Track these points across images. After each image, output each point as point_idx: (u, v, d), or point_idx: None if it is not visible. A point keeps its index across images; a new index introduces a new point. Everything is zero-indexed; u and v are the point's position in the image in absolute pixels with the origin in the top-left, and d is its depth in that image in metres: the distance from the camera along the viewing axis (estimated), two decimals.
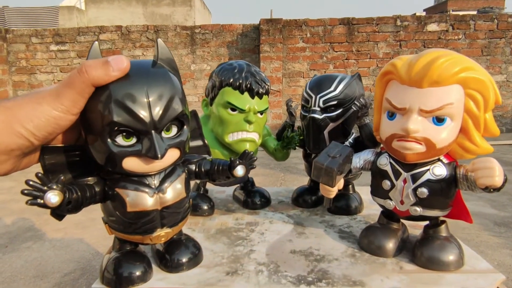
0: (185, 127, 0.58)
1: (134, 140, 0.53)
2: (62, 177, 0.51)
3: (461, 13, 5.40)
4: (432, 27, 5.10)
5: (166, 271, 0.64)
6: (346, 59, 5.22)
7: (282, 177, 3.44)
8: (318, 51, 5.24)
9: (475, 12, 6.05)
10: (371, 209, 0.92)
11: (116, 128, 0.51)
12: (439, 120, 0.60)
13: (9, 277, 1.85)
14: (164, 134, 0.55)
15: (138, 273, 0.60)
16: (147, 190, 0.57)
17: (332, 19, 5.15)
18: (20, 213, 2.57)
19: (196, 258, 0.66)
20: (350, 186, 0.94)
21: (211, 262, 0.67)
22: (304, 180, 1.02)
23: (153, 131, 0.52)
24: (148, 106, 0.51)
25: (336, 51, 5.23)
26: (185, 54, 5.42)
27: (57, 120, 0.46)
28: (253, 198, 0.94)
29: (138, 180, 0.57)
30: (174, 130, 0.57)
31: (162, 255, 0.66)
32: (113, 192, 0.57)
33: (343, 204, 0.90)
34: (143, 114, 0.51)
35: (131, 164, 0.54)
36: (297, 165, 3.70)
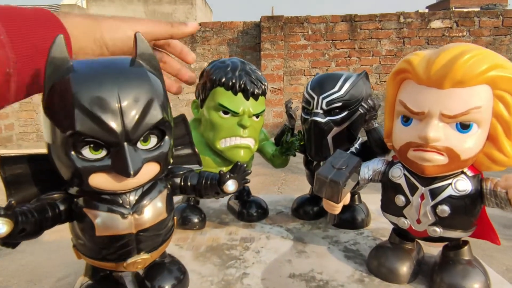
0: (166, 137, 0.49)
1: (103, 153, 0.44)
2: (12, 201, 0.42)
3: (464, 10, 5.30)
4: (436, 24, 4.99)
5: None
6: (349, 57, 5.13)
7: (283, 177, 3.36)
8: (320, 49, 5.16)
9: (478, 9, 5.94)
10: (379, 222, 0.83)
11: (80, 139, 0.43)
12: (464, 127, 0.51)
13: (2, 281, 1.79)
14: (140, 146, 0.46)
15: None
16: (120, 210, 0.48)
17: (334, 16, 5.06)
18: None
19: (180, 284, 0.58)
20: (356, 196, 0.85)
21: None
22: (306, 182, 0.92)
23: (125, 143, 0.43)
24: (120, 112, 0.42)
25: (338, 49, 5.14)
26: None
27: (130, 40, 0.51)
28: (248, 209, 0.86)
29: (110, 198, 0.48)
30: (153, 140, 0.48)
31: (141, 282, 0.57)
32: (81, 213, 0.48)
33: (348, 217, 0.81)
34: (113, 122, 0.42)
35: (99, 181, 0.45)
36: (299, 164, 3.60)
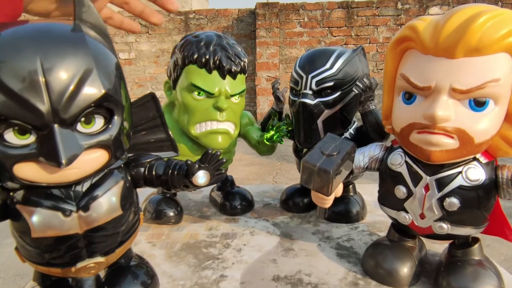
0: (115, 117, 0.40)
1: (31, 137, 0.35)
2: None
3: None
4: (434, 10, 4.89)
5: None
6: (345, 44, 5.04)
7: (279, 167, 3.29)
8: (316, 36, 5.06)
9: None
10: (376, 215, 0.75)
11: None
12: (479, 104, 0.42)
13: None
14: (81, 129, 0.37)
15: None
16: (62, 206, 0.40)
17: (330, 3, 4.96)
18: None
19: None
20: (350, 186, 0.76)
21: None
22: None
23: (55, 125, 0.35)
24: (45, 86, 0.33)
25: (335, 36, 5.05)
26: (179, 40, 5.22)
27: None
28: (232, 202, 0.77)
29: (50, 193, 0.40)
30: (98, 122, 0.39)
31: (100, 287, 0.49)
32: (15, 210, 0.40)
33: (342, 209, 0.73)
34: (35, 99, 0.33)
35: (27, 172, 0.36)
36: None
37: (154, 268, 0.53)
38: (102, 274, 0.50)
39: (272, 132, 0.72)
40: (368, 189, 0.82)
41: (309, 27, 5.03)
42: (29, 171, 0.36)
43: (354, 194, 0.76)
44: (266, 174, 3.11)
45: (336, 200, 0.74)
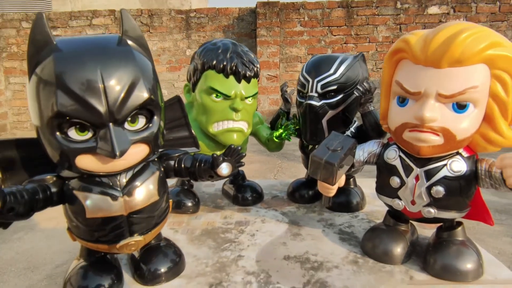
0: (155, 117, 0.48)
1: (89, 134, 0.44)
2: None
3: None
4: (433, 9, 4.95)
5: (141, 283, 0.55)
6: (345, 43, 5.08)
7: (279, 165, 3.35)
8: (316, 35, 5.10)
9: None
10: (374, 205, 0.83)
11: (65, 119, 0.42)
12: (460, 107, 0.50)
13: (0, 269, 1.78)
14: (128, 127, 0.46)
15: (105, 286, 0.52)
16: (110, 192, 0.48)
17: (330, 2, 5.00)
18: None
19: (176, 267, 0.58)
20: (351, 180, 0.85)
21: (193, 271, 0.58)
22: (302, 169, 0.92)
23: (110, 124, 0.43)
24: (104, 92, 0.42)
25: (335, 35, 5.09)
26: (180, 39, 5.26)
27: None
28: (243, 194, 0.85)
29: (100, 181, 0.48)
30: (141, 121, 0.47)
31: (137, 264, 0.57)
32: (72, 195, 0.48)
33: (343, 200, 0.81)
34: (96, 102, 0.42)
35: (86, 162, 0.45)
36: (295, 151, 3.57)
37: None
38: (136, 254, 0.58)
39: (280, 131, 0.80)
40: (367, 183, 0.90)
41: (309, 26, 5.07)
42: (88, 162, 0.44)
43: (354, 187, 0.84)
44: (267, 171, 3.18)
45: (339, 192, 0.82)
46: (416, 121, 0.52)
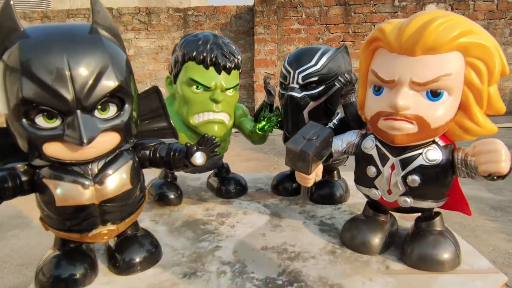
0: (126, 105, 0.48)
1: (57, 121, 0.44)
2: None
3: None
4: (431, 7, 4.94)
5: (115, 272, 0.55)
6: (343, 41, 5.07)
7: (276, 162, 3.35)
8: (314, 33, 5.10)
9: None
10: (357, 198, 0.83)
11: (31, 106, 0.42)
12: (435, 95, 0.50)
13: None
14: (98, 114, 0.45)
15: (77, 276, 0.51)
16: (81, 181, 0.47)
17: (328, 0, 4.99)
18: None
19: (152, 257, 0.57)
20: (335, 172, 0.84)
21: (169, 262, 0.58)
22: None
23: (78, 111, 0.43)
24: (70, 79, 0.42)
25: (332, 33, 5.09)
26: (178, 37, 5.25)
27: None
28: (227, 186, 0.85)
29: (71, 169, 0.48)
30: (112, 109, 0.47)
31: (112, 253, 0.57)
32: (42, 184, 0.47)
33: (327, 192, 0.81)
34: (63, 89, 0.41)
35: (54, 150, 0.44)
36: None
37: (158, 241, 0.61)
38: (112, 244, 0.58)
39: (263, 123, 0.80)
40: (352, 176, 0.89)
41: (306, 24, 5.07)
42: (56, 149, 0.44)
43: (338, 179, 0.84)
44: (263, 169, 3.18)
45: (322, 184, 0.82)
46: (390, 109, 0.51)
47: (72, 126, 0.43)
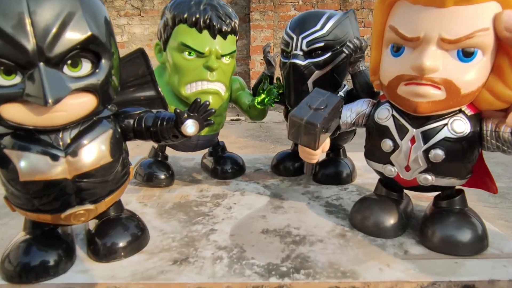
0: (102, 61, 0.40)
1: (18, 78, 0.36)
2: None
3: None
4: None
5: (95, 259, 0.48)
6: None
7: (272, 149, 3.30)
8: None
9: None
10: (365, 178, 0.76)
11: None
12: (467, 54, 0.43)
13: None
14: (68, 71, 0.38)
15: (50, 263, 0.44)
16: (50, 151, 0.40)
17: None
18: None
19: (137, 242, 0.50)
20: (341, 150, 0.77)
21: (157, 247, 0.51)
22: None
23: (41, 64, 0.35)
24: (31, 25, 0.34)
25: None
26: None
27: None
28: (223, 166, 0.78)
29: (38, 138, 0.40)
30: (85, 66, 0.39)
31: (91, 238, 0.49)
32: (3, 155, 0.40)
33: (332, 171, 0.74)
34: (21, 37, 0.34)
35: (13, 112, 0.37)
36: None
37: (145, 224, 0.54)
38: (92, 227, 0.51)
39: (263, 96, 0.72)
40: (359, 157, 0.82)
41: (303, 10, 4.97)
42: (15, 112, 0.37)
43: (344, 158, 0.77)
44: None
45: (327, 163, 0.75)
46: (414, 72, 0.44)
47: (34, 82, 0.35)
